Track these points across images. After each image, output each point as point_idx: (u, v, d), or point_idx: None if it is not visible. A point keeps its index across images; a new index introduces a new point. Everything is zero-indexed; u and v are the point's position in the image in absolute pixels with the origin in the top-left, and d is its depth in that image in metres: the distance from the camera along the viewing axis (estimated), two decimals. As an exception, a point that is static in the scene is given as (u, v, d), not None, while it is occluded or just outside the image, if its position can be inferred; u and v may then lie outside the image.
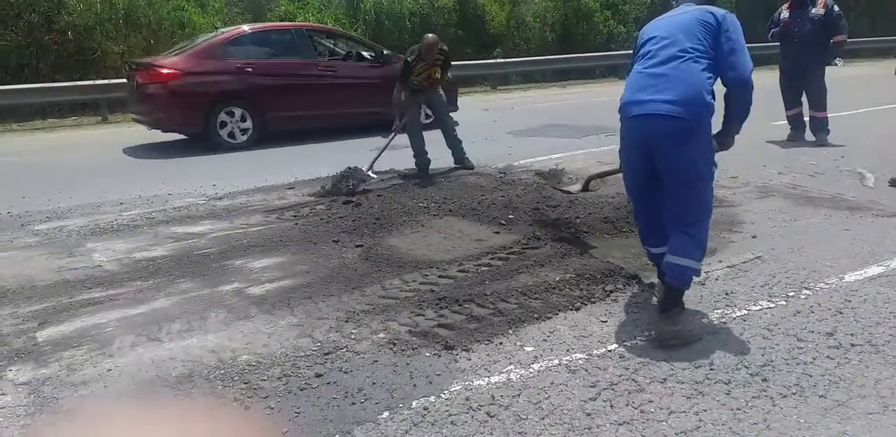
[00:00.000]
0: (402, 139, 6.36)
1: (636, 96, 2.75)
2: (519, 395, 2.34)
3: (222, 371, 2.58)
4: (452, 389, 2.40)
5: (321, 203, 5.21)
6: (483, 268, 3.61)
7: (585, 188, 4.39)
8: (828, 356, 2.54)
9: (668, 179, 2.76)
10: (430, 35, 6.13)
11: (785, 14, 7.02)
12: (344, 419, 2.24)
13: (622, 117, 2.85)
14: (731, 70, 2.67)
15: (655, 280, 3.21)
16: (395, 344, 2.75)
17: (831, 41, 6.82)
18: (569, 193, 4.58)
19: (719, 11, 2.74)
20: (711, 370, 2.48)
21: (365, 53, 9.33)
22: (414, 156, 6.32)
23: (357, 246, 4.08)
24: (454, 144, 6.49)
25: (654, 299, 3.09)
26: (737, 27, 2.71)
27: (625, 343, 2.72)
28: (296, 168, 6.58)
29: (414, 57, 6.00)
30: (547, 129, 9.04)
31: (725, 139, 2.85)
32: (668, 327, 2.69)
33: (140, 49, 13.11)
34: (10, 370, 2.66)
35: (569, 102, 12.09)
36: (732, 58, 2.66)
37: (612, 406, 2.25)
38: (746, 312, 2.97)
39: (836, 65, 7.53)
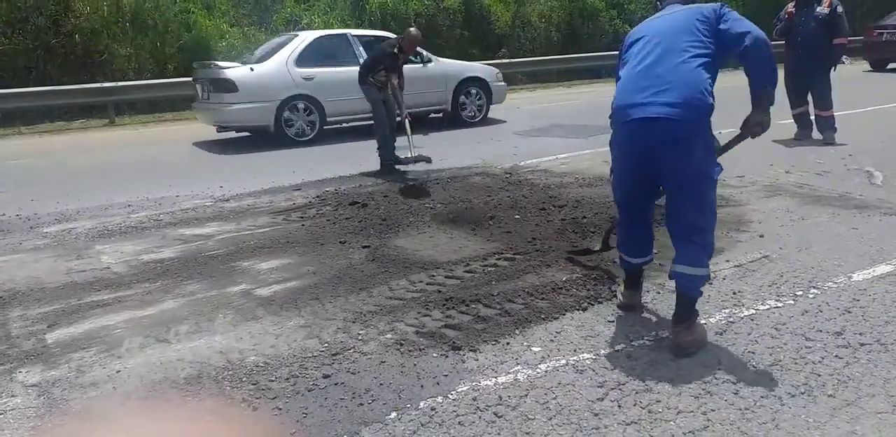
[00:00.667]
0: (403, 138, 6.46)
1: (633, 99, 2.58)
2: (526, 395, 2.34)
3: (230, 372, 2.59)
4: (460, 389, 2.40)
5: (328, 204, 5.22)
6: (490, 268, 3.61)
7: (606, 245, 3.67)
8: (836, 356, 2.53)
9: (675, 187, 2.62)
10: (415, 29, 6.44)
11: (791, 10, 7.00)
12: (352, 419, 2.24)
13: (617, 122, 2.68)
14: (743, 36, 2.49)
15: (619, 288, 3.13)
16: (402, 345, 2.75)
17: (833, 42, 6.80)
18: (591, 251, 3.76)
19: (713, 5, 2.63)
20: (719, 369, 2.47)
21: None
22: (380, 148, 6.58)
23: (364, 247, 4.08)
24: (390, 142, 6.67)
25: (617, 306, 3.05)
26: (733, 12, 2.60)
27: (632, 343, 2.72)
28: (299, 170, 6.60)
29: (396, 50, 6.31)
30: (553, 129, 9.04)
31: (761, 116, 2.60)
32: (687, 338, 2.61)
33: (147, 51, 13.16)
34: (20, 372, 2.67)
35: (575, 102, 12.08)
36: (739, 28, 2.51)
37: (619, 406, 2.25)
38: (754, 311, 2.96)
39: (843, 63, 7.48)
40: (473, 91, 9.82)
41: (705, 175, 2.56)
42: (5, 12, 12.09)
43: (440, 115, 9.96)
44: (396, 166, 6.52)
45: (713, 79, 2.56)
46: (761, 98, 2.61)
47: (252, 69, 8.34)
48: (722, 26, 2.56)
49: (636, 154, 2.66)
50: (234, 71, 8.30)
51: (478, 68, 10.25)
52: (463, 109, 9.79)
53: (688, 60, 2.53)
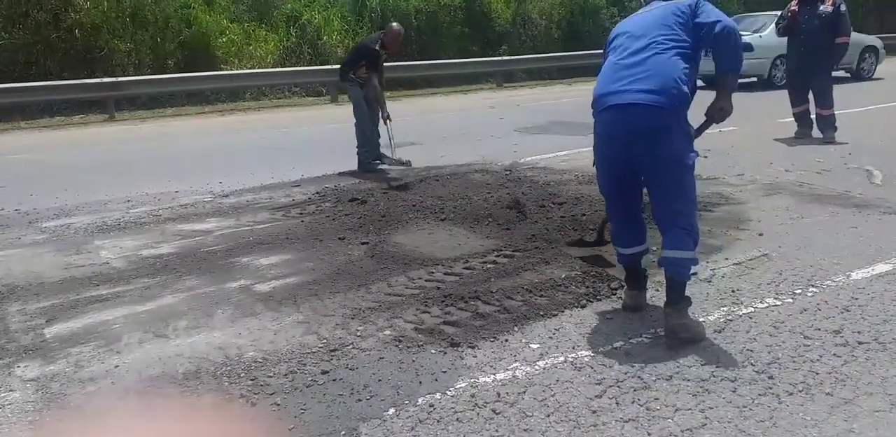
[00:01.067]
0: (404, 134, 6.40)
1: (611, 87, 2.69)
2: (524, 392, 2.34)
3: (229, 368, 2.59)
4: (458, 386, 2.40)
5: (327, 201, 5.22)
6: (489, 265, 3.61)
7: (601, 237, 3.74)
8: (834, 354, 2.54)
9: (653, 174, 2.71)
10: (397, 24, 6.34)
11: (794, 8, 6.98)
12: (350, 415, 2.24)
13: (597, 111, 2.77)
14: (714, 24, 2.60)
15: (624, 288, 3.10)
16: (400, 341, 2.75)
17: (835, 41, 6.78)
18: (585, 243, 3.83)
19: (689, 1, 2.70)
20: (717, 367, 2.47)
21: None
22: (375, 148, 6.50)
23: (363, 243, 4.08)
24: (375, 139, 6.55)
25: (623, 303, 3.03)
26: (708, 4, 2.69)
27: (630, 341, 2.72)
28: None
29: (378, 46, 6.15)
30: (553, 126, 9.03)
31: (724, 102, 2.75)
32: (676, 321, 2.66)
33: (147, 47, 13.13)
34: (18, 367, 2.68)
35: (575, 100, 12.05)
36: (713, 18, 2.62)
37: (617, 404, 2.25)
38: (753, 309, 2.96)
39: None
40: (868, 55, 14.30)
41: (682, 163, 2.65)
42: (5, 7, 12.05)
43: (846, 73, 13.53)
44: (377, 165, 6.45)
45: (691, 69, 2.64)
46: (724, 84, 2.74)
47: (760, 36, 12.66)
48: (697, 19, 2.66)
49: (614, 140, 2.75)
50: (751, 37, 12.38)
51: (871, 38, 14.65)
52: (862, 68, 14.28)
53: (662, 51, 2.63)
